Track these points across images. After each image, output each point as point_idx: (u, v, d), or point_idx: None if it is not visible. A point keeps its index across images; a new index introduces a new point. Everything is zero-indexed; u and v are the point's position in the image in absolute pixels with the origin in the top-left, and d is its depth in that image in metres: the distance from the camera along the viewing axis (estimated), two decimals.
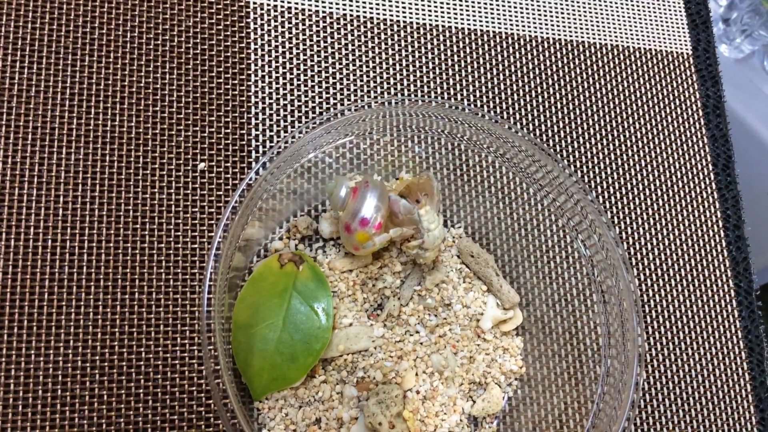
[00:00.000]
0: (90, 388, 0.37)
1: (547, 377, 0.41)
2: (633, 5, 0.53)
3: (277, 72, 0.45)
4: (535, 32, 0.50)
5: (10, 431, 0.36)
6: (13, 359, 0.37)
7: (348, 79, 0.46)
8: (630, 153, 0.49)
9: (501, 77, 0.48)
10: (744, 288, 0.48)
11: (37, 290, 0.38)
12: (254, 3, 0.45)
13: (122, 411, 0.37)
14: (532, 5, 0.50)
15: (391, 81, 0.46)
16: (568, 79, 0.49)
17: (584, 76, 0.50)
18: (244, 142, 0.43)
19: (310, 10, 0.46)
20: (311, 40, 0.46)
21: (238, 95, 0.43)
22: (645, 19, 0.53)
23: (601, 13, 0.52)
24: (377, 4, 0.47)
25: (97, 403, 0.37)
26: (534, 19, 0.50)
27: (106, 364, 0.38)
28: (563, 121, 0.48)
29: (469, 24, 0.49)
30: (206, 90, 0.43)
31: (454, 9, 0.49)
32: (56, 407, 0.36)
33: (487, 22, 0.49)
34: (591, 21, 0.51)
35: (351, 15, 0.47)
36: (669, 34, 0.53)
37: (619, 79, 0.50)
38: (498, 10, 0.50)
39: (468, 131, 0.41)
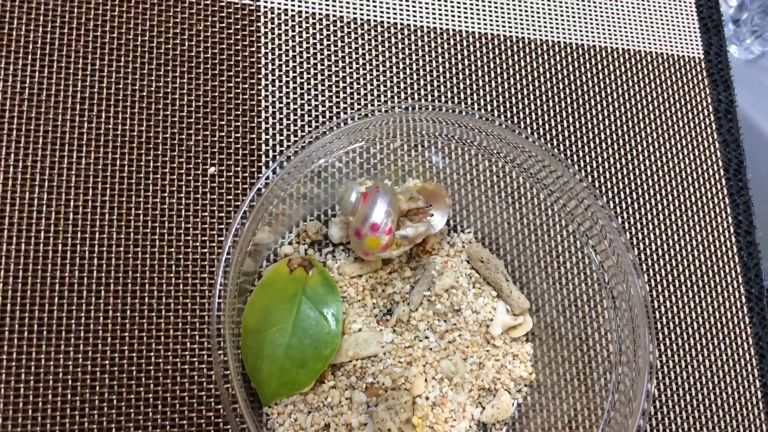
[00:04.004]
0: (99, 392, 0.37)
1: (557, 384, 0.40)
2: (645, 9, 0.52)
3: (287, 77, 0.44)
4: (546, 36, 0.50)
5: None
6: (23, 363, 0.37)
7: (358, 84, 0.45)
8: (641, 157, 0.49)
9: (512, 81, 0.48)
10: (755, 294, 0.48)
11: (47, 294, 0.38)
12: (265, 8, 0.45)
13: (131, 415, 0.37)
14: (543, 9, 0.50)
15: (402, 85, 0.46)
16: (579, 83, 0.49)
17: (595, 80, 0.49)
18: (254, 147, 0.43)
19: (320, 14, 0.46)
20: (321, 45, 0.46)
21: (249, 100, 0.43)
22: (657, 23, 0.52)
23: (613, 17, 0.52)
24: (388, 9, 0.47)
25: (106, 407, 0.37)
26: (544, 23, 0.50)
27: (115, 368, 0.38)
28: (574, 125, 0.48)
29: (480, 28, 0.48)
30: (217, 95, 0.43)
31: (465, 13, 0.49)
32: (66, 411, 0.37)
33: (497, 26, 0.49)
34: (602, 25, 0.51)
35: (361, 19, 0.47)
36: (681, 38, 0.52)
37: (631, 83, 0.50)
38: (508, 14, 0.49)
39: (478, 137, 0.41)
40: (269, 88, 0.44)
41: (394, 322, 0.40)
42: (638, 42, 0.51)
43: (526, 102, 0.48)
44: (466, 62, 0.48)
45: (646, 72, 0.51)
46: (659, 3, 0.53)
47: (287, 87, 0.44)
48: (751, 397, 0.45)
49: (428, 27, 0.48)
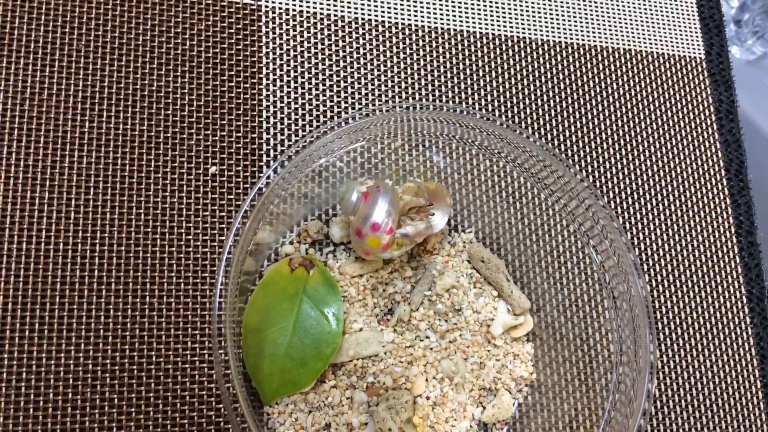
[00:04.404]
0: (101, 391, 0.37)
1: (557, 384, 0.40)
2: (646, 9, 0.52)
3: (288, 76, 0.44)
4: (548, 36, 0.50)
5: None
6: (24, 362, 0.37)
7: (359, 83, 0.45)
8: (642, 158, 0.49)
9: (513, 81, 0.48)
10: (756, 294, 0.48)
11: (49, 293, 0.38)
12: (266, 7, 0.45)
13: (132, 415, 0.37)
14: (544, 9, 0.50)
15: (403, 85, 0.46)
16: (580, 83, 0.49)
17: (596, 80, 0.49)
18: (255, 146, 0.43)
19: (321, 14, 0.46)
20: (322, 44, 0.46)
21: (250, 99, 0.43)
22: (658, 23, 0.52)
23: (614, 17, 0.52)
24: (389, 8, 0.47)
25: (107, 406, 0.37)
26: (547, 23, 0.50)
27: (116, 367, 0.38)
28: (575, 125, 0.48)
29: (481, 28, 0.48)
30: (218, 94, 0.43)
31: (466, 13, 0.49)
32: (67, 410, 0.37)
33: (499, 25, 0.49)
34: (604, 25, 0.51)
35: (362, 19, 0.47)
36: (682, 38, 0.52)
37: (632, 83, 0.50)
38: (509, 14, 0.49)
39: (479, 136, 0.41)
40: (270, 87, 0.44)
41: (395, 322, 0.40)
42: (639, 42, 0.51)
43: (527, 102, 0.48)
44: (467, 62, 0.48)
45: (647, 72, 0.51)
46: (660, 3, 0.53)
47: (288, 86, 0.44)
48: (752, 398, 0.45)
49: (429, 27, 0.48)
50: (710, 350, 0.46)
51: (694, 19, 0.53)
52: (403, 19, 0.47)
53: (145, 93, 0.42)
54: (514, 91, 0.48)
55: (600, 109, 0.49)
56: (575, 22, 0.51)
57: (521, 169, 0.41)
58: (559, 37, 0.50)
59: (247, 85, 0.44)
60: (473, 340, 0.40)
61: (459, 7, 0.49)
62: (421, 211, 0.39)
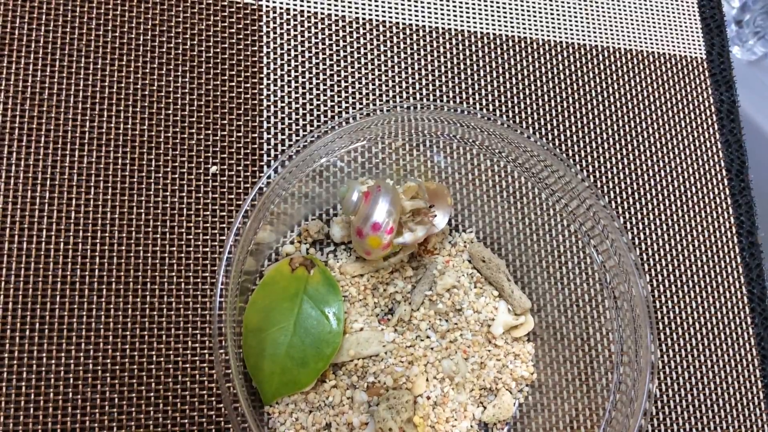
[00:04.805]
0: (101, 391, 0.37)
1: (558, 384, 0.40)
2: (647, 9, 0.52)
3: (289, 76, 0.44)
4: (548, 36, 0.50)
5: None
6: (24, 361, 0.37)
7: (360, 83, 0.45)
8: (643, 158, 0.49)
9: (514, 81, 0.48)
10: (757, 294, 0.48)
11: (49, 293, 0.38)
12: (267, 7, 0.45)
13: (133, 414, 0.37)
14: (545, 9, 0.50)
15: (404, 85, 0.46)
16: (581, 83, 0.49)
17: (597, 80, 0.49)
18: (256, 146, 0.43)
19: (322, 14, 0.46)
20: (323, 44, 0.46)
21: (251, 99, 0.43)
22: (659, 23, 0.52)
23: (615, 17, 0.52)
24: (389, 8, 0.47)
25: (108, 406, 0.37)
26: (548, 22, 0.50)
27: (117, 367, 0.38)
28: (576, 125, 0.48)
29: (481, 28, 0.48)
30: (218, 93, 0.43)
31: (467, 12, 0.49)
32: (67, 410, 0.37)
33: (499, 25, 0.49)
34: (604, 25, 0.51)
35: (363, 18, 0.47)
36: (683, 38, 0.52)
37: (633, 84, 0.50)
38: (510, 14, 0.49)
39: (480, 136, 0.40)
40: (271, 87, 0.44)
41: (396, 322, 0.40)
42: (640, 42, 0.51)
43: (529, 102, 0.48)
44: (468, 62, 0.47)
45: (648, 72, 0.51)
46: (661, 3, 0.53)
47: (289, 86, 0.44)
48: (753, 398, 0.45)
49: (430, 27, 0.48)
50: (711, 350, 0.46)
51: (695, 20, 0.53)
52: (404, 19, 0.47)
53: (146, 93, 0.42)
54: (514, 91, 0.48)
55: (601, 109, 0.49)
56: (576, 22, 0.51)
57: (522, 168, 0.41)
58: (560, 37, 0.50)
59: (248, 85, 0.44)
60: (474, 340, 0.40)
61: (459, 7, 0.49)
62: (422, 213, 0.39)
